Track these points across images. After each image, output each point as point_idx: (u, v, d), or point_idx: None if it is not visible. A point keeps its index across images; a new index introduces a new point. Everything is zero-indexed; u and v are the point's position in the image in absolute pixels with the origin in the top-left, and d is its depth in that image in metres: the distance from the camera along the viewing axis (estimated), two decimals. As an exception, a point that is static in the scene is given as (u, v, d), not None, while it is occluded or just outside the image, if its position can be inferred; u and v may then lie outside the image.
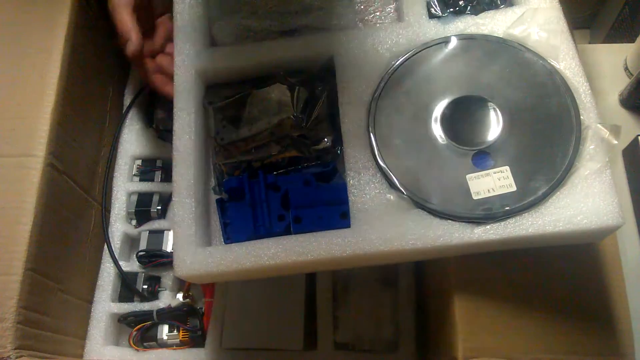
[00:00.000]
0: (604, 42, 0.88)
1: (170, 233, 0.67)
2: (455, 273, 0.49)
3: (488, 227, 0.43)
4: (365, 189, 0.46)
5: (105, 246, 0.66)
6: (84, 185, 0.63)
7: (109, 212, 0.68)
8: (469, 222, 0.44)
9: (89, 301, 0.63)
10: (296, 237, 0.45)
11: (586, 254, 0.49)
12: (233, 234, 0.49)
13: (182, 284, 0.66)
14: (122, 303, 0.64)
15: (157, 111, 0.71)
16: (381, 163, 0.46)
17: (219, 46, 0.55)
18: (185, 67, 0.52)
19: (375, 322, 0.62)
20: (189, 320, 0.64)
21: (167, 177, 0.70)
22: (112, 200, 0.68)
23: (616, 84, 0.67)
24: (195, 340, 0.63)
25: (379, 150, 0.47)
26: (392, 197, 0.45)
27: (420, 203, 0.45)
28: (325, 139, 0.50)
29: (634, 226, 0.58)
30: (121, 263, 0.65)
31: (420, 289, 0.63)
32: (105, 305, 0.63)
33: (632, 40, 0.67)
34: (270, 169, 0.50)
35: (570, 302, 0.48)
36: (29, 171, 0.53)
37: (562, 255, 0.48)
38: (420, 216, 0.45)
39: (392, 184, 0.46)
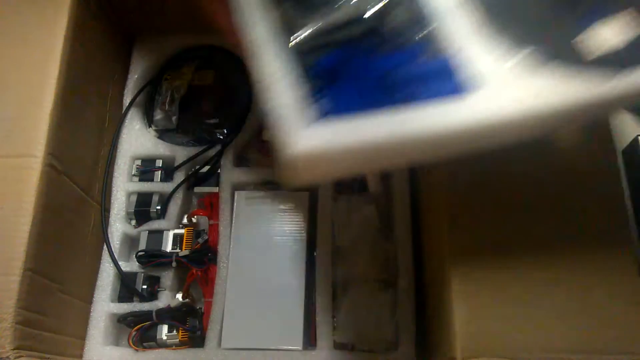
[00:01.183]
0: (604, 41, 0.88)
1: (170, 233, 0.67)
2: (452, 269, 0.48)
3: (623, 75, 0.36)
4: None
5: (105, 246, 0.66)
6: (83, 185, 0.63)
7: (109, 212, 0.68)
8: (606, 71, 0.37)
9: (89, 301, 0.63)
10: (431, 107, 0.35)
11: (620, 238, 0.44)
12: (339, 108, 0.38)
13: (181, 284, 0.66)
14: (122, 303, 0.64)
15: (156, 111, 0.72)
16: None
17: None
18: None
19: (375, 322, 0.62)
20: (189, 320, 0.64)
21: (167, 177, 0.70)
22: (112, 201, 0.68)
23: (616, 84, 0.66)
24: (195, 340, 0.63)
25: None
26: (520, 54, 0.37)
27: (554, 56, 0.37)
28: None
29: (633, 225, 0.58)
30: (120, 263, 0.65)
31: (420, 289, 0.62)
32: (105, 305, 0.63)
33: (632, 40, 0.67)
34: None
35: (591, 291, 0.42)
36: (28, 171, 0.53)
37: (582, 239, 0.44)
38: (555, 70, 0.38)
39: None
